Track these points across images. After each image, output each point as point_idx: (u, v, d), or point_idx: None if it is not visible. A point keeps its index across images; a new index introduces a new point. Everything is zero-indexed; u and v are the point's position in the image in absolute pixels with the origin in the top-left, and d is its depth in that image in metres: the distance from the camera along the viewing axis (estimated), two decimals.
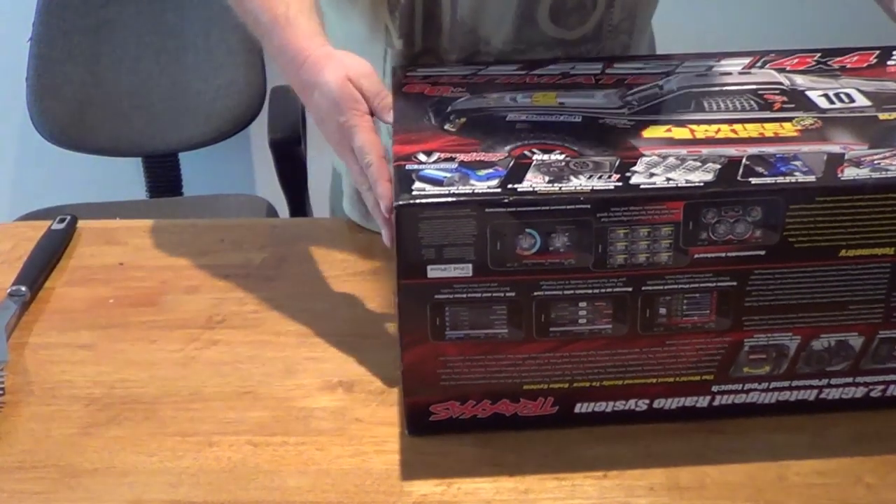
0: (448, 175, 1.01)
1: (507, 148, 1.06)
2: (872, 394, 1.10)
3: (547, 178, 1.01)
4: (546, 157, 1.04)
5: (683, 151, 1.05)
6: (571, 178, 1.01)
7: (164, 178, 2.28)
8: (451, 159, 1.04)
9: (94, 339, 1.25)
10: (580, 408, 1.09)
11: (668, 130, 1.09)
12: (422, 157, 1.04)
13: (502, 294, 1.02)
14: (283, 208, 2.06)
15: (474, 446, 1.08)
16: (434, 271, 1.01)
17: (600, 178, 1.01)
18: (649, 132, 1.09)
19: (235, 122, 2.13)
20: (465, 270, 1.01)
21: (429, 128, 1.09)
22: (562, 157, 1.05)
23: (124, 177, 2.44)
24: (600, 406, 1.09)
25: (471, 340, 1.04)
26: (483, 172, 1.02)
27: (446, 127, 1.10)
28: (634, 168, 1.03)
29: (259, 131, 2.14)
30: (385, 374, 1.17)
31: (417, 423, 1.09)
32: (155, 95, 2.21)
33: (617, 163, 1.03)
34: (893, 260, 1.04)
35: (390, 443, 1.09)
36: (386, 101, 1.16)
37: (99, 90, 2.24)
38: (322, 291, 1.31)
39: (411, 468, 1.06)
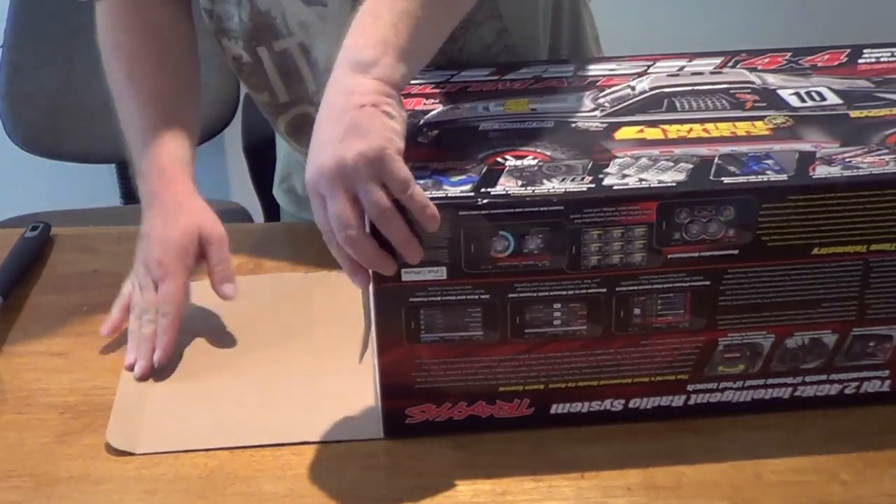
0: (421, 182, 1.01)
1: (480, 156, 1.06)
2: (847, 391, 1.11)
3: (520, 182, 1.01)
4: (519, 162, 1.05)
5: (656, 152, 1.06)
6: (544, 181, 1.01)
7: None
8: (424, 167, 1.04)
9: (68, 346, 1.24)
10: (556, 409, 1.09)
11: (641, 131, 1.10)
12: None
13: (477, 296, 1.03)
14: (257, 213, 2.06)
15: (451, 448, 1.08)
16: (408, 275, 1.01)
17: (573, 180, 1.02)
18: (622, 133, 1.09)
19: (209, 128, 2.13)
20: (440, 273, 1.01)
21: None
22: (535, 161, 1.05)
23: (98, 183, 2.43)
24: (576, 407, 1.09)
25: (446, 343, 1.04)
26: (456, 178, 1.02)
27: (419, 139, 1.10)
28: (607, 170, 1.03)
29: (233, 137, 2.13)
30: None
31: (393, 426, 1.09)
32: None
33: (590, 165, 1.04)
34: (866, 257, 1.04)
35: (368, 447, 1.09)
36: (225, 273, 1.25)
37: (72, 97, 2.23)
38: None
39: (389, 472, 1.06)
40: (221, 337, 1.25)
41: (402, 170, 0.97)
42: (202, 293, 1.27)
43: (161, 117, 1.31)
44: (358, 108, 0.97)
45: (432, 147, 1.09)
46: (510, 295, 1.03)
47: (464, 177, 1.02)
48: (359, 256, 0.99)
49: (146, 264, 1.25)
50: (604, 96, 1.16)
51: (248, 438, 1.09)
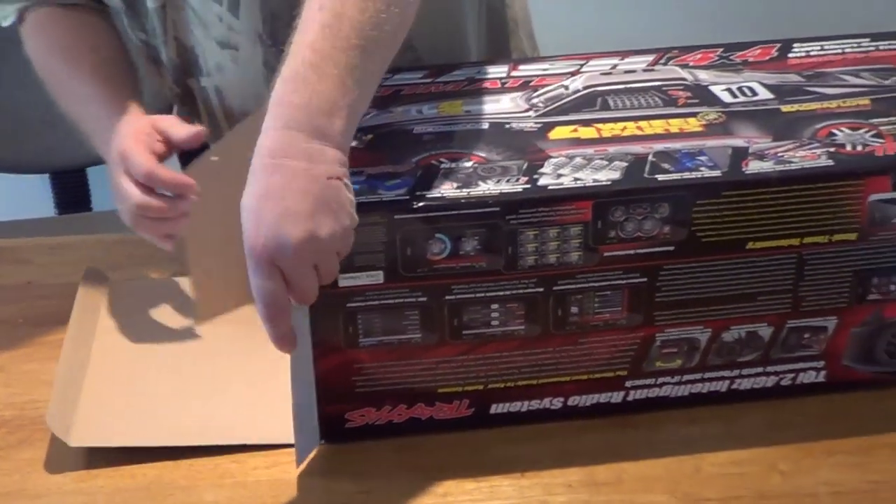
0: (356, 187, 1.01)
1: (415, 159, 1.06)
2: (783, 382, 1.12)
3: (455, 185, 1.01)
4: (454, 164, 1.05)
5: (590, 151, 1.06)
6: (479, 182, 1.01)
7: (72, 194, 2.24)
8: (360, 173, 1.03)
9: (3, 360, 1.23)
10: (496, 409, 1.09)
11: (575, 130, 1.10)
12: None
13: (414, 299, 1.02)
14: None
15: (391, 452, 1.08)
16: (345, 280, 1.01)
17: (508, 181, 1.02)
18: (556, 133, 1.10)
19: None
20: (377, 278, 1.01)
21: None
22: (470, 163, 1.05)
23: (31, 193, 2.40)
24: (515, 406, 1.09)
25: (384, 347, 1.04)
26: (391, 182, 1.02)
27: (353, 144, 1.09)
28: (542, 170, 1.03)
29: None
30: None
31: (333, 431, 1.08)
32: (62, 111, 2.18)
33: (524, 166, 1.04)
34: (799, 250, 1.05)
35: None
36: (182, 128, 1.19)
37: (4, 107, 2.21)
38: None
39: (329, 477, 1.06)
40: (159, 332, 1.25)
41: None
42: (145, 290, 1.28)
43: (106, 87, 1.27)
44: (325, 181, 0.94)
45: (367, 151, 1.08)
46: (447, 297, 1.03)
47: (399, 180, 1.02)
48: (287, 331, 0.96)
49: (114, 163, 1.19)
50: (537, 96, 1.17)
51: (183, 438, 1.09)
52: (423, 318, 1.03)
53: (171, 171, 1.16)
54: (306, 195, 0.92)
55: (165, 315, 1.29)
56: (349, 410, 1.07)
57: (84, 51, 1.29)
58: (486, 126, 1.11)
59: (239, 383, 1.17)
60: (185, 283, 1.32)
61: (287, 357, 1.01)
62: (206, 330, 1.26)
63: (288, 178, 0.93)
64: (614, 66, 1.23)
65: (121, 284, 1.33)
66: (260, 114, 0.98)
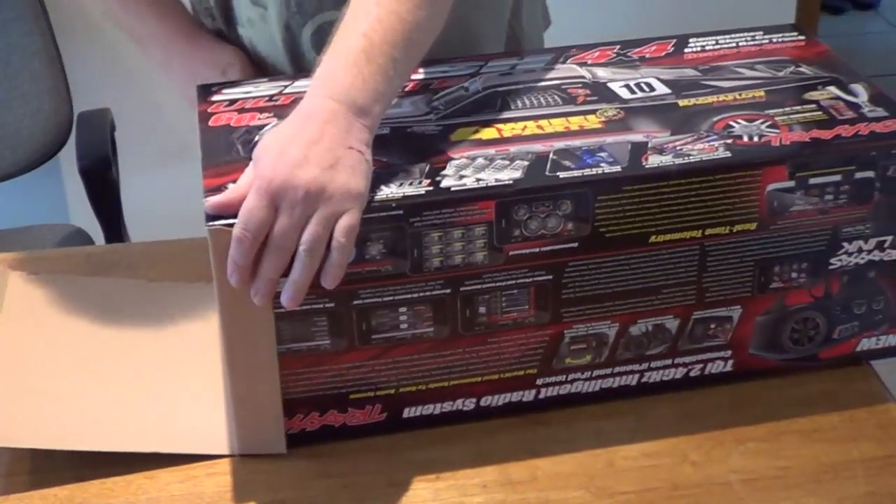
0: None
1: None
2: (692, 373, 1.13)
3: None
4: None
5: (492, 151, 1.07)
6: (382, 186, 1.01)
7: None
8: None
9: None
10: (408, 412, 1.09)
11: (476, 131, 1.10)
12: (231, 186, 1.02)
13: (322, 305, 1.02)
14: (98, 235, 2.02)
15: (306, 460, 1.07)
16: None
17: (411, 184, 1.02)
18: (457, 135, 1.10)
19: (43, 151, 2.07)
20: (282, 285, 1.00)
21: (238, 159, 1.07)
22: (372, 168, 1.05)
23: None
24: (428, 409, 1.09)
25: (293, 354, 1.04)
26: None
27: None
28: (444, 171, 1.03)
29: (69, 159, 2.09)
30: None
31: None
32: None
33: (427, 168, 1.04)
34: (701, 242, 1.07)
35: (221, 464, 1.07)
36: None
37: None
38: None
39: (243, 488, 1.05)
40: (68, 338, 1.23)
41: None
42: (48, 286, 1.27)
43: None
44: (348, 149, 1.00)
45: None
46: (355, 302, 1.03)
47: None
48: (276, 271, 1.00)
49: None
50: (438, 99, 1.17)
51: (89, 443, 1.07)
52: (332, 323, 1.03)
53: None
54: (329, 153, 1.00)
55: (69, 311, 1.27)
56: None
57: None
58: (387, 130, 1.11)
59: (151, 387, 1.16)
60: (85, 280, 1.31)
61: (203, 363, 1.10)
62: (110, 329, 1.25)
63: (318, 135, 1.00)
64: (513, 67, 1.23)
65: (22, 278, 1.31)
66: None
